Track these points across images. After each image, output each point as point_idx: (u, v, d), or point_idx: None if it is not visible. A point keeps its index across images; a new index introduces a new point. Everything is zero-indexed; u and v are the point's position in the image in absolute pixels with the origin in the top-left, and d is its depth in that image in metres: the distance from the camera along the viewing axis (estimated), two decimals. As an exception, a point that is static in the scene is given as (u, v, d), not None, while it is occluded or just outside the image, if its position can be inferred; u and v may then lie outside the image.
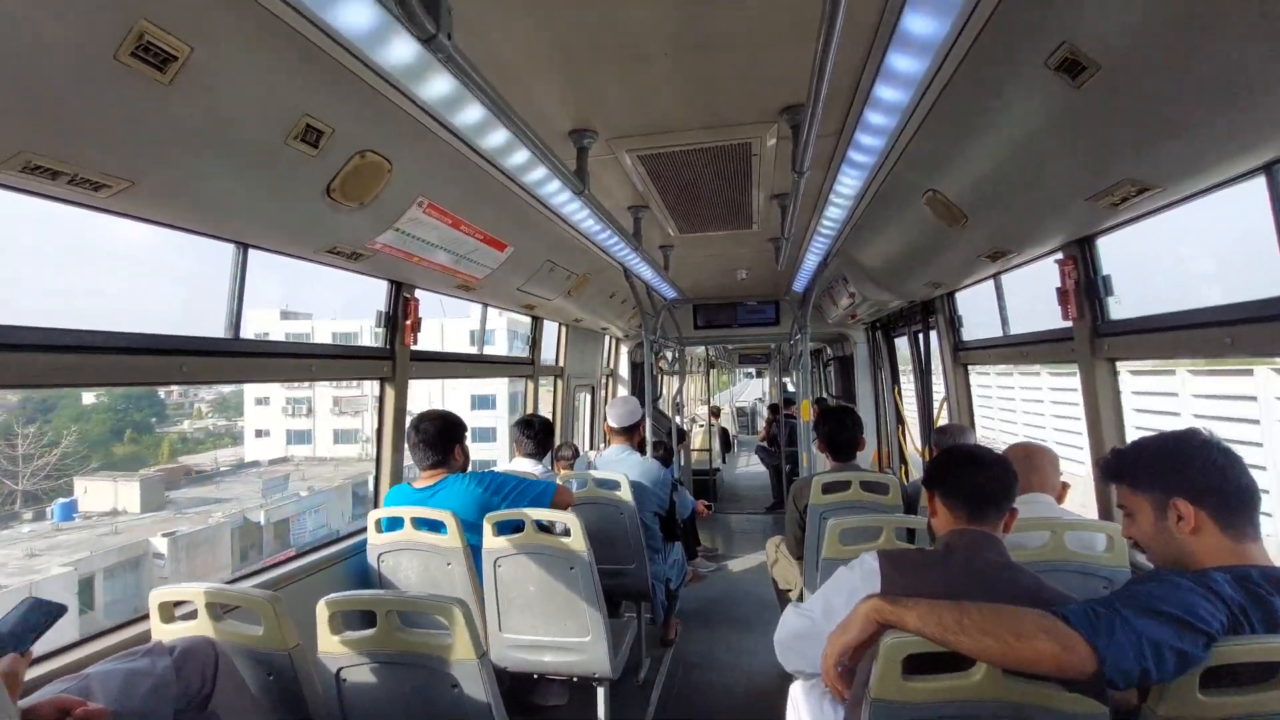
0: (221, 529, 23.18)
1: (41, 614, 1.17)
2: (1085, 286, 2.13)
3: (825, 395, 7.91)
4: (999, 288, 2.92)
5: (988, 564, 1.28)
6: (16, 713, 0.55)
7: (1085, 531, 1.80)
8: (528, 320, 4.34)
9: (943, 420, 3.81)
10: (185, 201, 1.52)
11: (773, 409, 8.55)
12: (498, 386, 31.95)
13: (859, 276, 3.84)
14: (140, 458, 35.68)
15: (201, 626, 1.46)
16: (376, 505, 2.57)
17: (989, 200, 1.99)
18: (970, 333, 3.44)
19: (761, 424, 16.07)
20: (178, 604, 1.54)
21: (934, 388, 4.08)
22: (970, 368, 3.46)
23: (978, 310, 3.34)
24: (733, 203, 2.79)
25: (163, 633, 1.49)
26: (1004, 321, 2.95)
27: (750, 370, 20.96)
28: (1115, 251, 2.11)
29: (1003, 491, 1.36)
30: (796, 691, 1.81)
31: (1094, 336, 2.13)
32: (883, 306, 4.40)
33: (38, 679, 1.31)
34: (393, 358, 2.65)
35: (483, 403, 33.18)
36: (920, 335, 4.03)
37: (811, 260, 3.42)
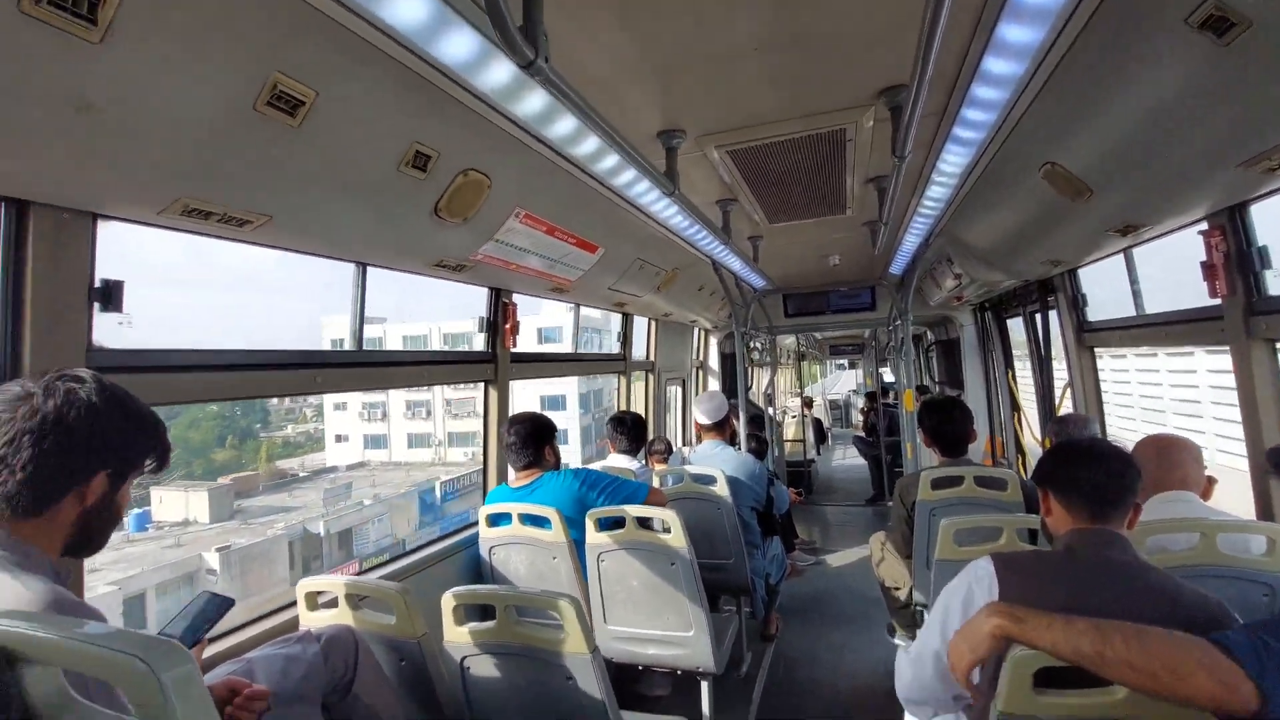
0: (278, 542, 22.30)
1: (214, 607, 1.33)
2: (1236, 259, 1.89)
3: (929, 382, 7.49)
4: (1130, 263, 2.65)
5: (1115, 564, 1.17)
6: (208, 694, 0.63)
7: (1240, 533, 1.61)
8: (598, 314, 4.38)
9: (1066, 408, 3.51)
10: (314, 230, 1.67)
11: (870, 398, 8.21)
12: (567, 386, 31.09)
13: (965, 256, 3.60)
14: (238, 464, 36.14)
15: (342, 615, 1.62)
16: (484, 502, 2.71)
17: (1117, 171, 1.81)
18: (1095, 313, 3.15)
19: (855, 417, 15.49)
20: (319, 593, 1.71)
21: (1055, 373, 3.76)
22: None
23: (1102, 288, 3.06)
24: (825, 189, 2.70)
25: (308, 619, 1.66)
26: (1137, 300, 2.67)
27: (842, 362, 20.17)
28: (1270, 220, 1.86)
29: (1125, 489, 1.24)
30: None
31: (1248, 315, 1.89)
32: (993, 287, 4.11)
33: (206, 661, 1.50)
34: (494, 360, 2.79)
35: (553, 403, 31.65)
36: (1038, 316, 3.73)
37: (911, 242, 3.25)
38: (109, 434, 0.96)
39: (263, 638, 1.71)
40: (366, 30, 1.18)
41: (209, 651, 1.63)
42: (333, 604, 1.65)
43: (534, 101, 1.42)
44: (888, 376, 9.51)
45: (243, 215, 1.43)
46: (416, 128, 1.50)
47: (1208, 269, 1.97)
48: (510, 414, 2.52)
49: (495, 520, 2.41)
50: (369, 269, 2.06)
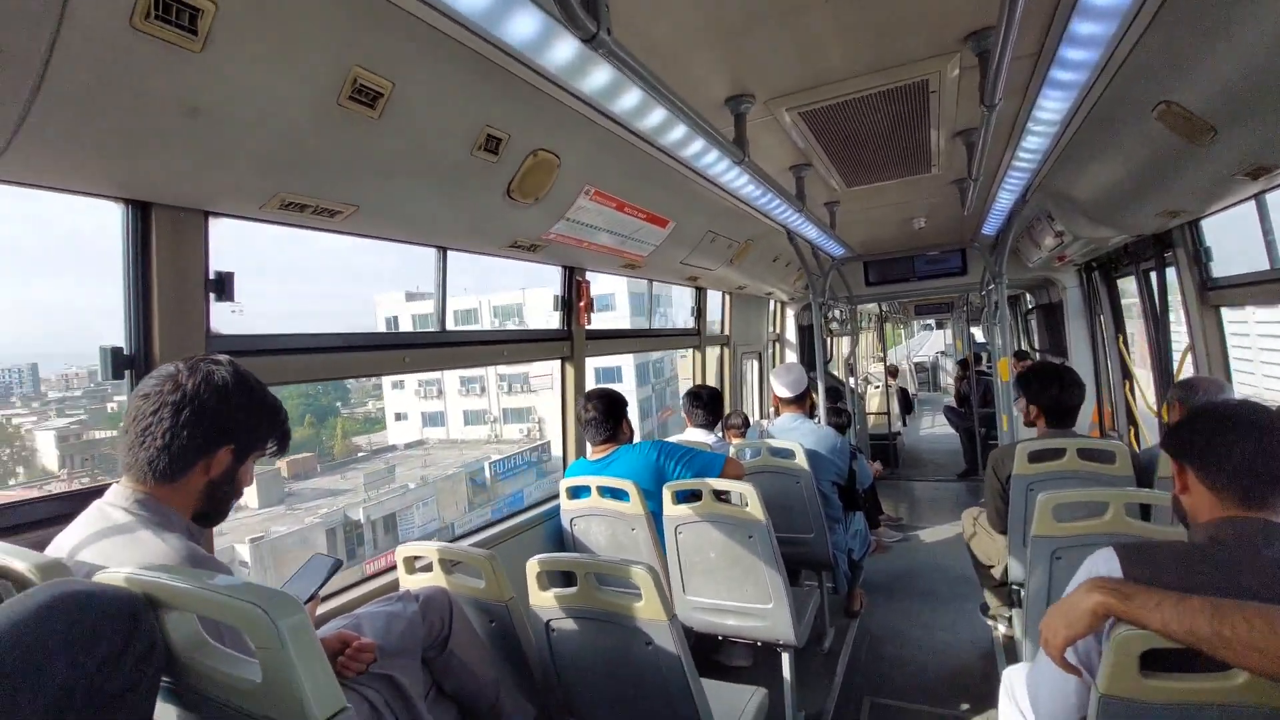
0: (315, 530, 21.47)
1: (324, 567, 1.46)
2: None
3: (1027, 348, 6.99)
4: (1263, 211, 2.34)
5: (1273, 565, 0.98)
6: (319, 642, 0.70)
7: None
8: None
9: (1186, 373, 3.18)
10: (396, 217, 1.75)
11: (961, 365, 7.76)
12: (623, 358, 28.75)
13: (1067, 212, 3.30)
14: (315, 442, 35.83)
15: (437, 578, 1.73)
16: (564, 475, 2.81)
17: (1245, 106, 1.59)
18: (1220, 268, 2.81)
19: (944, 380, 14.67)
20: (416, 558, 1.83)
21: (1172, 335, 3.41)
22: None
23: (1229, 241, 2.73)
24: (907, 147, 2.54)
25: (407, 582, 1.79)
26: (1271, 252, 2.37)
27: (929, 321, 19.00)
28: None
29: None
30: (1014, 677, 1.68)
31: None
32: (1100, 244, 3.75)
33: (320, 618, 1.64)
34: (570, 338, 2.85)
35: (608, 375, 30.30)
36: (1154, 274, 3.38)
37: (1005, 199, 3.01)
38: (235, 413, 1.08)
39: (367, 597, 1.85)
40: (435, 17, 1.21)
41: (321, 609, 1.80)
42: (428, 568, 1.77)
43: (599, 76, 1.42)
44: (979, 337, 8.94)
45: (333, 206, 1.52)
46: (487, 111, 1.54)
47: None
48: (587, 392, 2.58)
49: (575, 493, 2.49)
50: (449, 252, 2.14)
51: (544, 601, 1.57)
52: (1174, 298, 3.24)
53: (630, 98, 1.55)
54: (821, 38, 1.60)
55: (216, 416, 1.05)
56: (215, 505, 1.11)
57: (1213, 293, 2.84)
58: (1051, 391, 2.35)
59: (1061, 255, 4.24)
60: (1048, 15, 1.53)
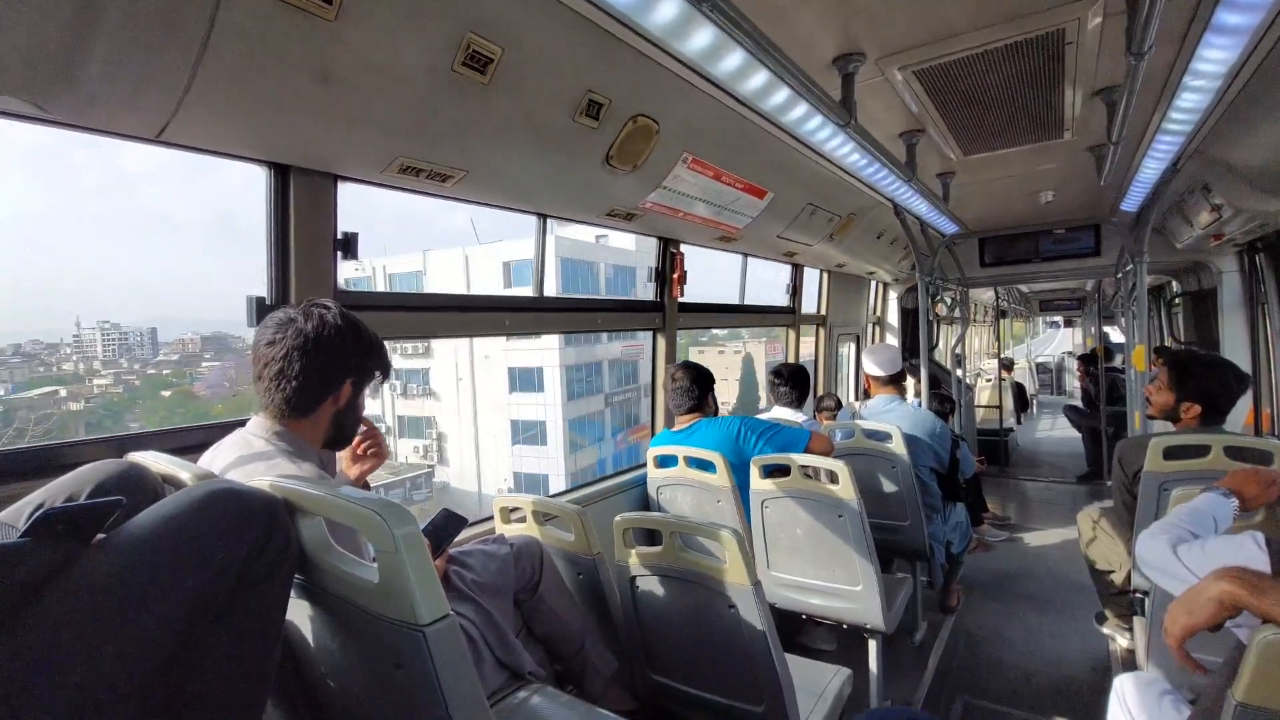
0: None
1: (453, 523, 1.55)
2: None
3: (1171, 342, 6.24)
4: None
5: None
6: (428, 551, 0.77)
7: None
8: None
9: None
10: (501, 184, 1.83)
11: (1085, 360, 7.07)
12: (545, 356, 21.42)
13: (1229, 182, 2.90)
14: None
15: (530, 529, 1.82)
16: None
17: None
18: None
19: (1070, 384, 13.38)
20: (513, 510, 1.94)
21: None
22: None
23: None
24: (1037, 109, 2.32)
25: (503, 531, 1.90)
26: None
27: (1055, 319, 17.37)
28: None
29: None
30: (1126, 685, 1.54)
31: None
32: (1268, 220, 3.27)
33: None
34: (663, 310, 2.87)
35: (524, 381, 21.93)
36: None
37: (1153, 167, 2.68)
38: (350, 350, 1.18)
39: (464, 542, 1.99)
40: None
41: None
42: (522, 519, 1.87)
43: (701, 36, 1.40)
44: (1115, 337, 8.08)
45: (445, 171, 1.61)
46: (589, 76, 1.56)
47: None
48: (674, 365, 2.61)
49: (663, 462, 2.52)
50: (549, 220, 2.21)
51: (628, 558, 1.61)
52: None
53: (733, 59, 1.52)
54: None
55: (337, 355, 1.16)
56: (343, 431, 1.23)
57: None
58: (1207, 384, 2.09)
59: (1218, 234, 3.73)
60: None
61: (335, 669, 0.90)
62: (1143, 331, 3.33)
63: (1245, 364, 4.25)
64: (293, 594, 0.85)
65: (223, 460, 1.13)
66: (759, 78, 1.63)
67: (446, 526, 1.54)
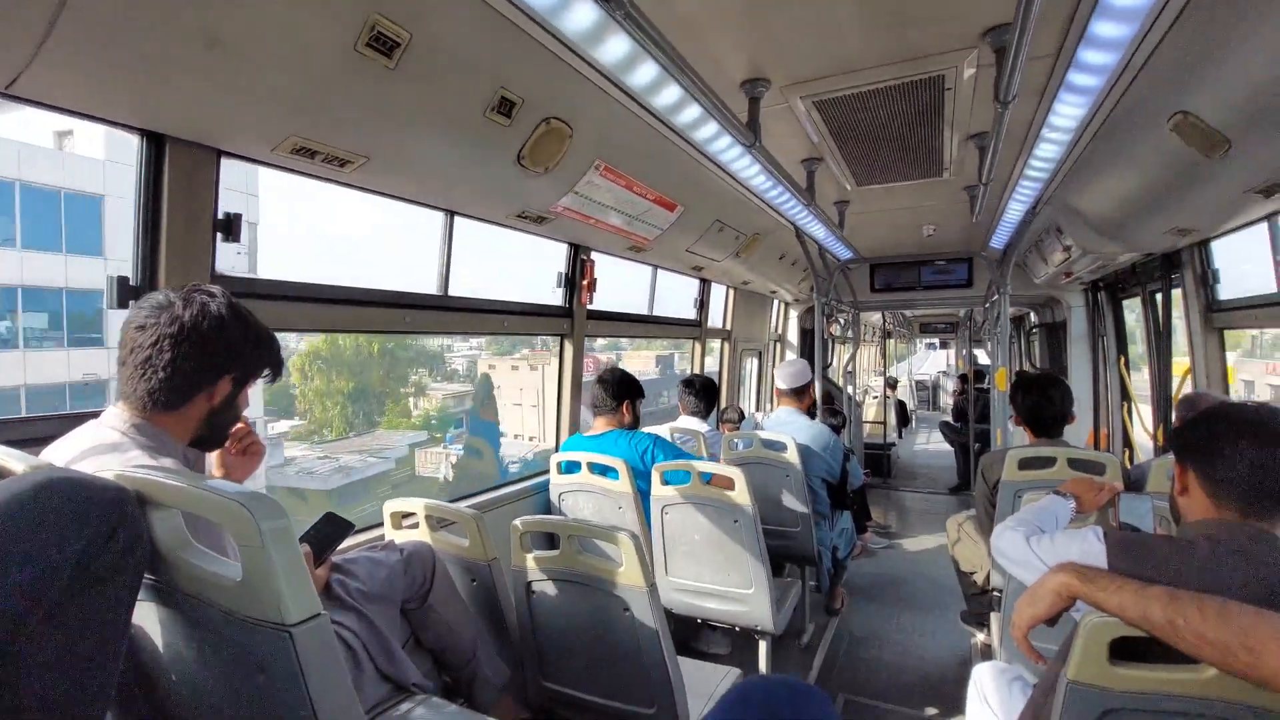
0: None
1: (338, 528, 1.44)
2: None
3: (1029, 368, 6.99)
4: (1275, 232, 2.35)
5: (1268, 574, 0.97)
6: (299, 548, 0.72)
7: None
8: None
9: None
10: (405, 173, 1.76)
11: (962, 379, 7.76)
12: None
13: (1077, 226, 3.30)
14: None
15: (422, 534, 1.75)
16: (557, 450, 2.82)
17: (1262, 118, 1.59)
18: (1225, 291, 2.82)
19: (944, 400, 14.65)
20: (405, 515, 1.85)
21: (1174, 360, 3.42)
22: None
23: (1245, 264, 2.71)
24: (921, 147, 2.55)
25: (394, 537, 1.81)
26: (1281, 273, 2.38)
27: (933, 341, 19.03)
28: None
29: None
30: (982, 674, 1.69)
31: None
32: (1108, 262, 3.75)
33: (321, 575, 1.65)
34: (571, 316, 2.86)
35: None
36: (1159, 295, 3.38)
37: (1015, 209, 3.01)
38: (234, 344, 1.09)
39: (355, 548, 1.87)
40: None
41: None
42: (415, 526, 1.79)
43: (617, 45, 1.43)
44: (983, 359, 8.94)
45: (344, 155, 1.54)
46: (502, 73, 1.55)
47: None
48: (607, 367, 2.63)
49: (566, 468, 2.51)
50: (456, 218, 2.16)
51: (524, 562, 1.59)
52: (1177, 321, 3.24)
53: (646, 71, 1.56)
54: (841, 23, 1.61)
55: (216, 348, 1.07)
56: (215, 432, 1.13)
57: (1217, 314, 2.84)
58: (1030, 399, 2.38)
59: (1068, 272, 4.23)
60: (1067, 16, 1.53)
61: (190, 677, 0.81)
62: (1005, 356, 3.70)
63: (1088, 388, 4.84)
64: (142, 595, 0.77)
65: (69, 453, 1.01)
66: (671, 92, 1.68)
67: (330, 532, 1.44)
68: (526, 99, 1.65)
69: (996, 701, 1.56)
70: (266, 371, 1.18)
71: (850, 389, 6.58)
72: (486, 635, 1.69)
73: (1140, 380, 4.05)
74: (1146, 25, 1.36)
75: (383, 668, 1.40)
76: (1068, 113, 1.85)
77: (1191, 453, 1.11)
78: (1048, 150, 2.18)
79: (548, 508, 2.57)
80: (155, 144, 1.38)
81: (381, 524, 1.92)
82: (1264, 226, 2.38)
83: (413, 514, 1.80)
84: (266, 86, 1.27)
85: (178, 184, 1.40)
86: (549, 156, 1.90)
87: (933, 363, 21.79)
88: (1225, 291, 2.85)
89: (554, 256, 2.86)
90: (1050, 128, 1.99)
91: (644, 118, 1.98)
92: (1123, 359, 4.41)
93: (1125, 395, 4.34)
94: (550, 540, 1.57)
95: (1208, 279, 2.86)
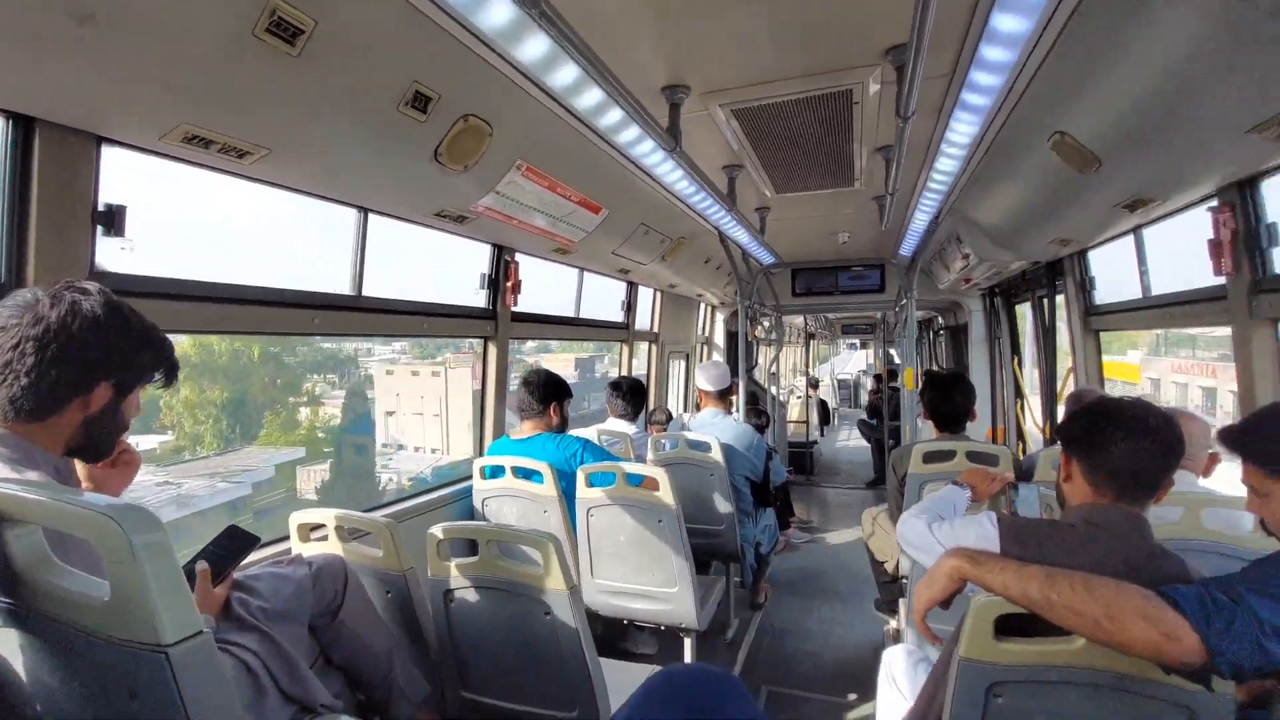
0: None
1: (241, 543, 1.35)
2: (1244, 237, 1.86)
3: (936, 368, 7.45)
4: (1140, 244, 2.61)
5: (1130, 551, 1.08)
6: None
7: (1230, 510, 1.61)
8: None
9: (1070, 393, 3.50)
10: (313, 167, 1.68)
11: (877, 379, 8.18)
12: None
13: (975, 236, 3.56)
14: None
15: (333, 546, 1.67)
16: (480, 454, 2.76)
17: (1128, 140, 1.78)
18: (1105, 298, 3.12)
19: (864, 398, 15.39)
20: (314, 527, 1.76)
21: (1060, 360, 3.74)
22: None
23: (1119, 272, 2.99)
24: (833, 158, 2.67)
25: (301, 550, 1.71)
26: (1144, 282, 2.64)
27: (854, 342, 20.00)
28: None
29: (1165, 467, 1.12)
30: (891, 656, 1.78)
31: (1252, 294, 1.87)
32: (1002, 269, 4.06)
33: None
34: (495, 318, 2.81)
35: None
36: (1045, 300, 3.69)
37: (920, 220, 3.21)
38: (112, 346, 0.99)
39: (259, 562, 1.76)
40: None
41: None
42: (324, 538, 1.70)
43: (536, 45, 1.41)
44: (897, 359, 9.46)
45: (243, 146, 1.45)
46: (416, 67, 1.50)
47: (1214, 246, 1.94)
48: (535, 369, 2.59)
49: (490, 473, 2.46)
50: (372, 216, 2.07)
51: (443, 571, 1.54)
52: (1061, 324, 3.55)
53: (567, 72, 1.56)
54: (755, 35, 1.66)
55: (89, 351, 0.97)
56: (95, 442, 1.02)
57: (1093, 318, 3.13)
58: (935, 396, 2.57)
59: (967, 278, 4.55)
60: (960, 38, 1.65)
61: (57, 706, 0.73)
62: (913, 357, 3.93)
63: (986, 387, 5.21)
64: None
65: None
66: (593, 95, 1.68)
67: (232, 547, 1.35)
68: (443, 94, 1.61)
69: (904, 682, 1.66)
70: (156, 376, 1.09)
71: (774, 389, 6.80)
72: (404, 648, 1.62)
73: (1033, 378, 4.41)
74: (1028, 50, 1.48)
75: (287, 689, 1.31)
76: (963, 129, 1.99)
77: (1074, 444, 1.22)
78: (946, 164, 2.33)
79: (470, 516, 2.51)
80: (22, 127, 1.25)
81: (288, 537, 1.82)
82: (1131, 238, 2.64)
83: (322, 525, 1.71)
84: (152, 69, 1.18)
85: (49, 172, 1.28)
86: (468, 154, 1.86)
87: (854, 363, 22.84)
88: (1101, 297, 3.14)
89: (484, 258, 2.81)
90: (948, 143, 2.13)
91: (566, 119, 1.97)
92: (1016, 359, 4.78)
93: (1019, 392, 4.71)
94: (473, 547, 1.53)
95: (1086, 285, 3.15)
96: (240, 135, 1.42)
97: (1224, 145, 1.60)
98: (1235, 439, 1.09)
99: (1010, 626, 1.05)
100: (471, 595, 1.53)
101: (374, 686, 1.55)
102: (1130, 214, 2.23)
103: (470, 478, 2.56)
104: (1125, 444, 1.12)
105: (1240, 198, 1.85)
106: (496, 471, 2.42)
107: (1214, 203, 1.94)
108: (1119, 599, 0.90)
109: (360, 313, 2.11)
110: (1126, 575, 0.96)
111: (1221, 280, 1.96)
